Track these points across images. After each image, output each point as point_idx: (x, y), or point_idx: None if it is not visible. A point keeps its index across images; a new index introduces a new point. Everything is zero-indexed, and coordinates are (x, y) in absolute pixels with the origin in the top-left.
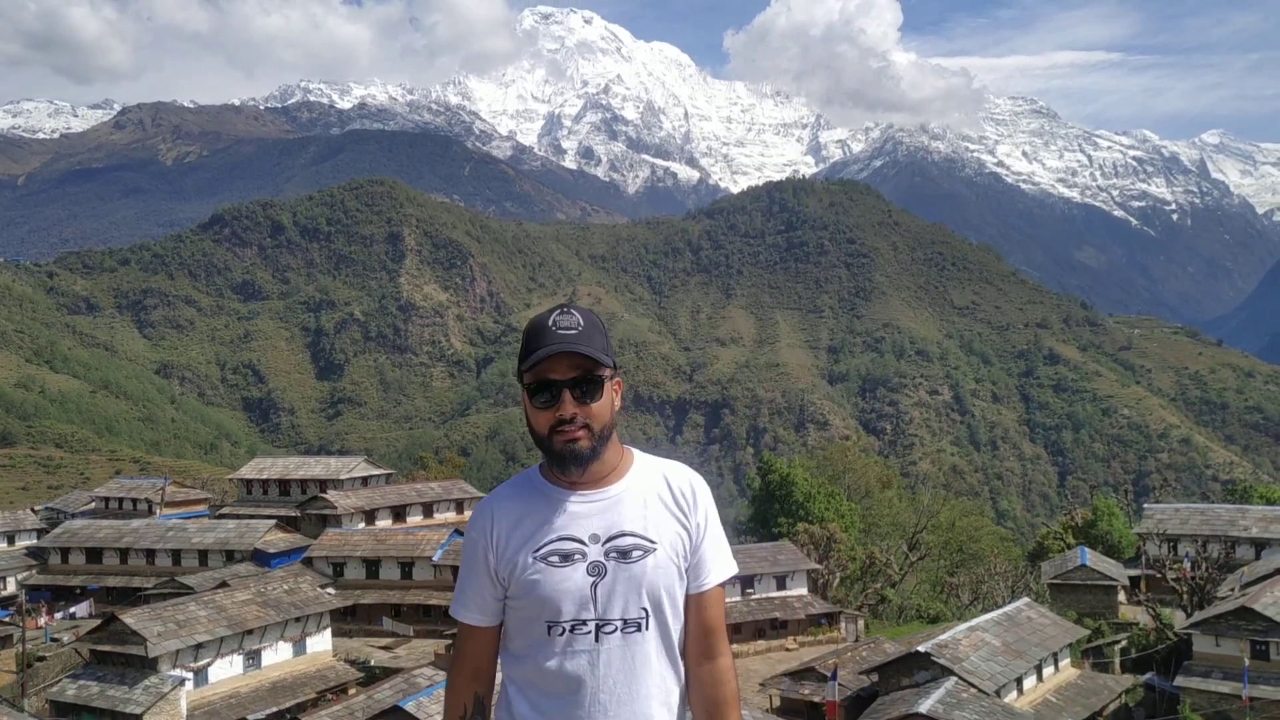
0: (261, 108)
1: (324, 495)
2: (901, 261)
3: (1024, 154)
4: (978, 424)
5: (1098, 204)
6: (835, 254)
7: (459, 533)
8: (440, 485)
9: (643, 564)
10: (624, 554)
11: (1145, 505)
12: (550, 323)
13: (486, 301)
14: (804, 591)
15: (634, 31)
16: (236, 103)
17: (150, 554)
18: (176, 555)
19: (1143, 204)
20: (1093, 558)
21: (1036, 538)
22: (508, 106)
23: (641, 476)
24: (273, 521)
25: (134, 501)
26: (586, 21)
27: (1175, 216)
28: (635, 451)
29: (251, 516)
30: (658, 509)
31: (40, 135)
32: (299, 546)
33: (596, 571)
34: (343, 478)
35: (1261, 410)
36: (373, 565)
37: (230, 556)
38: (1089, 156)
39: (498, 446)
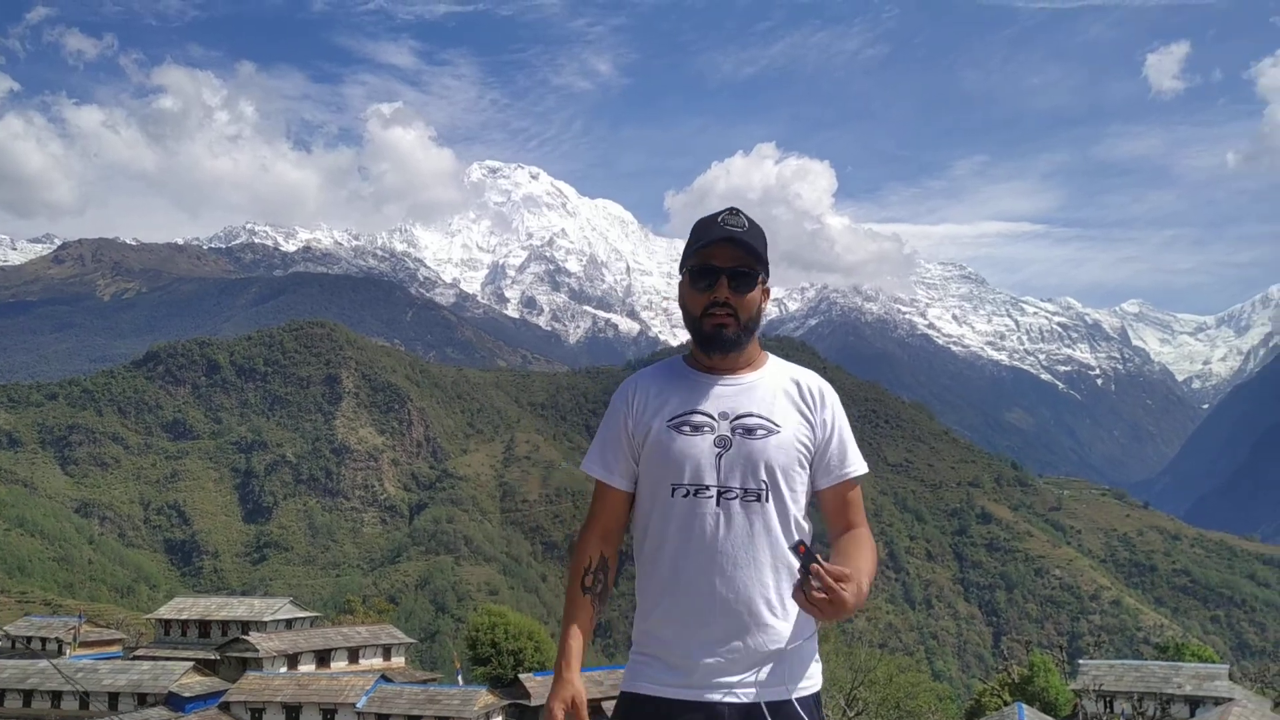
0: (205, 247)
1: (245, 637)
2: None
3: (954, 317)
4: (912, 582)
5: (1025, 367)
6: None
7: (385, 679)
8: (367, 629)
9: (764, 442)
10: (749, 431)
11: (1080, 661)
12: (720, 219)
13: (423, 446)
14: None
15: (579, 188)
16: (180, 241)
17: (56, 696)
18: (84, 699)
19: (1068, 368)
20: (1030, 714)
21: (974, 694)
22: (453, 255)
23: (774, 373)
24: (190, 664)
25: (44, 640)
26: (533, 177)
27: (1100, 381)
28: (772, 355)
29: (169, 658)
30: (784, 401)
31: None
32: (217, 690)
33: (722, 444)
34: (266, 619)
35: (1189, 573)
36: (293, 711)
37: (143, 700)
38: (1016, 321)
39: (428, 596)
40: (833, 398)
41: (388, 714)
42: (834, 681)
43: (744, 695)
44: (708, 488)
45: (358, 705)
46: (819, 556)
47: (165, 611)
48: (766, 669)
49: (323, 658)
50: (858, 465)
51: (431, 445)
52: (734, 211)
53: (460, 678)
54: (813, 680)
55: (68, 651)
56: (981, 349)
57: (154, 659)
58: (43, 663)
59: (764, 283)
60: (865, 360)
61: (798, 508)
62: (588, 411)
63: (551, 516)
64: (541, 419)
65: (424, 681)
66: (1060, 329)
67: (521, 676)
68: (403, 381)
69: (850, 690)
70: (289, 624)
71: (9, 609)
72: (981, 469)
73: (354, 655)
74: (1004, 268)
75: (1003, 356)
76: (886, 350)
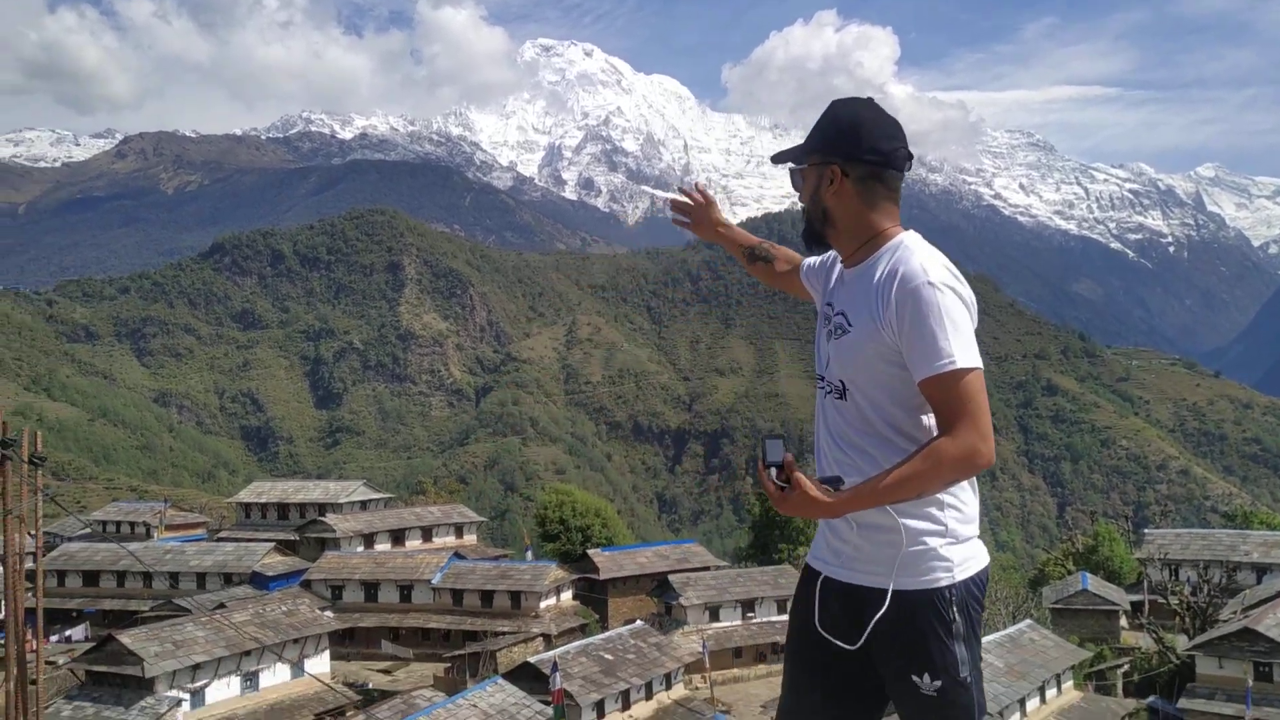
0: (263, 138)
1: (323, 519)
2: None
3: (1021, 186)
4: None
5: (1095, 236)
6: None
7: (459, 556)
8: (439, 509)
9: (839, 341)
10: (836, 328)
11: (1146, 530)
12: None
13: (486, 331)
14: None
15: (634, 64)
16: (238, 133)
17: (148, 577)
18: (174, 578)
19: (1139, 236)
20: (1094, 583)
21: (1038, 564)
22: (508, 137)
23: (880, 265)
24: (271, 544)
25: (132, 525)
26: (587, 54)
27: (1172, 249)
28: (904, 239)
29: (250, 540)
30: (864, 298)
31: (42, 164)
32: (297, 569)
33: (826, 336)
34: (341, 501)
35: (1259, 441)
36: (371, 588)
37: (228, 579)
38: (1086, 189)
39: (496, 476)
40: (904, 293)
41: (461, 589)
42: None
43: (840, 575)
44: (822, 378)
45: (433, 581)
46: (792, 463)
47: (245, 495)
48: (855, 557)
49: (397, 537)
50: (925, 367)
51: (494, 329)
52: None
53: (530, 554)
54: (921, 575)
55: (155, 535)
56: (1049, 218)
57: (236, 540)
58: (134, 545)
59: (817, 164)
60: (930, 233)
61: (883, 407)
62: (648, 292)
63: (614, 397)
64: (602, 301)
65: (496, 558)
66: (1132, 196)
67: (590, 552)
68: (464, 267)
69: None
70: (364, 505)
71: (98, 495)
72: (1048, 341)
73: (427, 534)
74: (1074, 134)
75: (1071, 226)
76: (951, 222)
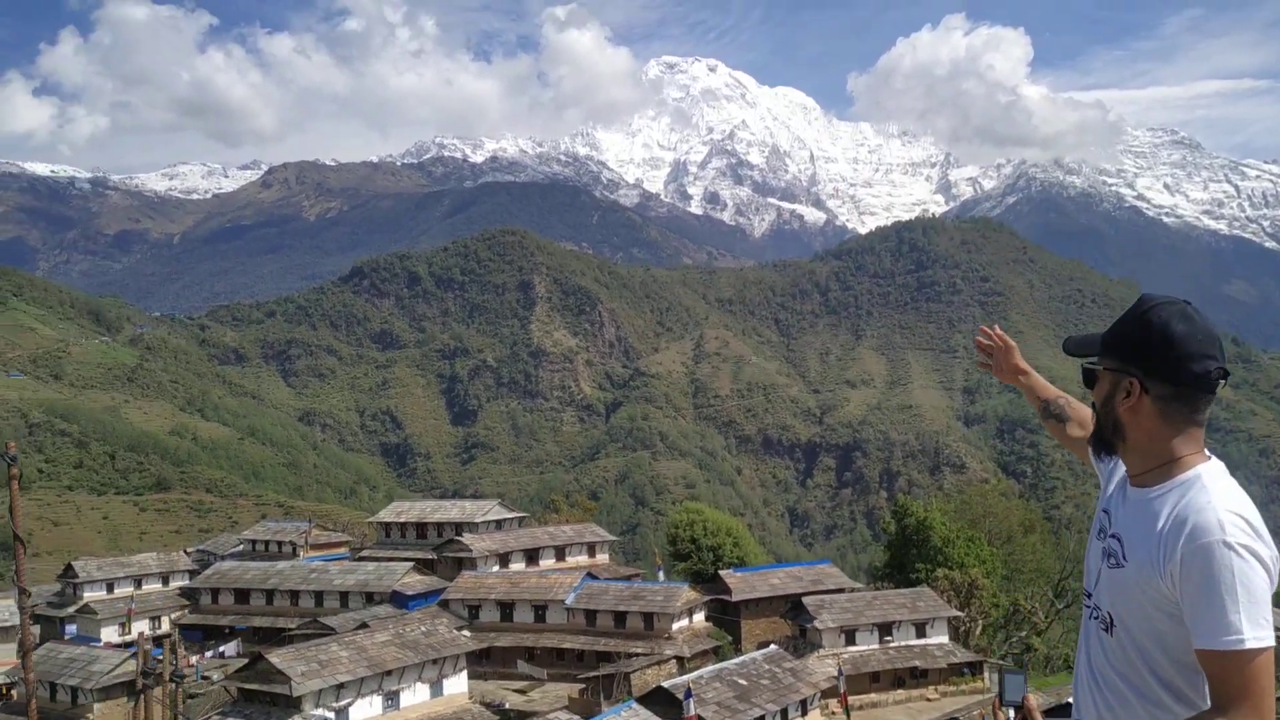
0: (398, 164)
1: (459, 538)
2: (1038, 299)
3: (1165, 186)
4: None
5: (1247, 235)
6: (968, 293)
7: (591, 576)
8: (572, 529)
9: (1112, 572)
10: (1110, 554)
11: None
12: None
13: (615, 346)
14: (945, 640)
15: (758, 78)
16: (375, 160)
17: (294, 595)
18: (319, 596)
19: None
20: None
21: None
22: (634, 155)
23: (1168, 497)
24: (410, 564)
25: (279, 544)
26: (711, 69)
27: None
28: (1202, 475)
29: (390, 559)
30: (1145, 532)
31: (194, 196)
32: (436, 589)
33: (1105, 559)
34: (477, 521)
35: None
36: (507, 608)
37: (370, 598)
38: (1236, 187)
39: (627, 490)
40: (1193, 549)
41: (595, 609)
42: (1041, 572)
43: None
44: (1089, 595)
45: (567, 601)
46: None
47: (385, 515)
48: None
49: (531, 556)
50: (1208, 638)
51: (623, 345)
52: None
53: (661, 574)
54: None
55: (301, 554)
56: (1197, 219)
57: (377, 559)
58: (282, 564)
59: (1111, 370)
60: (1069, 237)
61: (1152, 657)
62: (775, 305)
63: (744, 411)
64: (730, 314)
65: (628, 578)
66: None
67: (722, 573)
68: (592, 284)
69: (1059, 581)
70: (499, 524)
71: (248, 511)
72: None
73: (560, 553)
74: (1222, 130)
75: (1221, 225)
76: (1092, 225)
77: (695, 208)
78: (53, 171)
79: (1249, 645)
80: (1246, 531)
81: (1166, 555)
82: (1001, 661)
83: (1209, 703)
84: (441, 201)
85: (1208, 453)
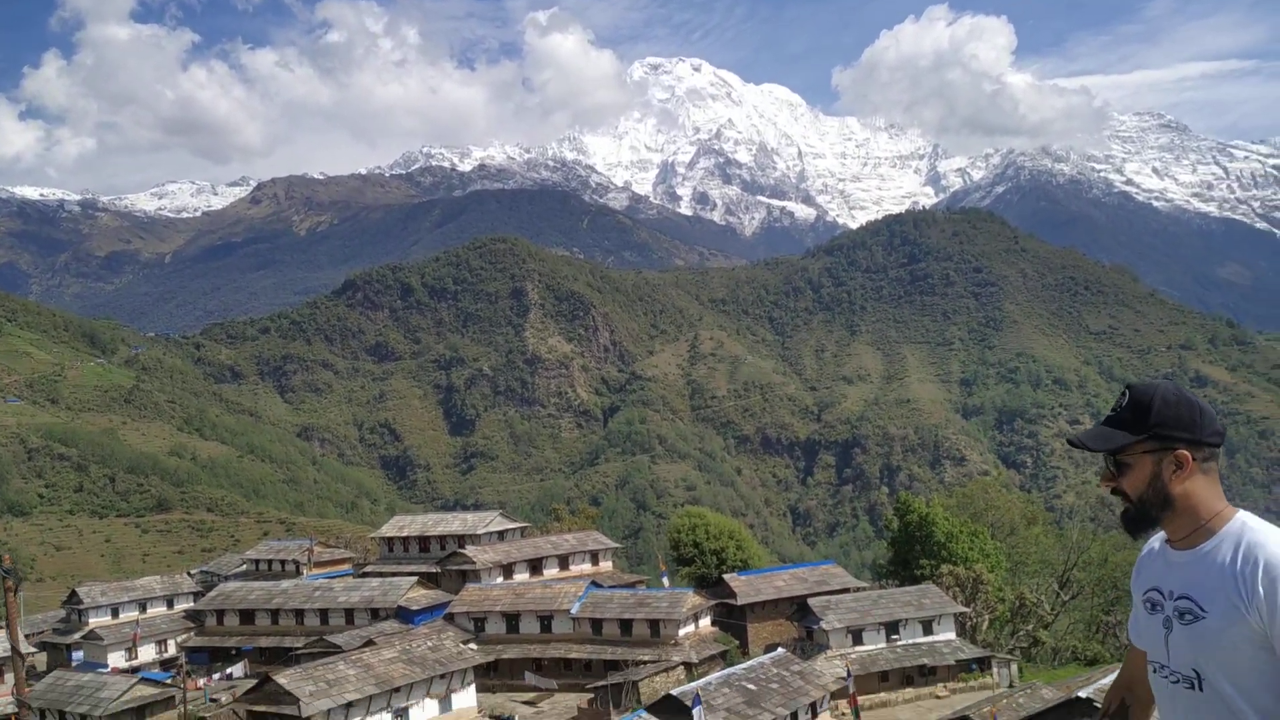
0: (387, 175)
1: (462, 550)
2: (1032, 288)
3: (1154, 170)
4: None
5: (1238, 217)
6: (961, 284)
7: (596, 584)
8: (574, 537)
9: (1192, 629)
10: (1181, 614)
11: None
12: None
13: (610, 351)
14: (952, 636)
15: (743, 75)
16: (363, 171)
17: (299, 614)
18: (324, 614)
19: None
20: None
21: None
22: (622, 158)
23: (1224, 545)
24: (414, 579)
25: (282, 563)
26: (695, 69)
27: None
28: (1241, 518)
29: (394, 574)
30: (1217, 581)
31: (185, 214)
32: (440, 603)
33: (1167, 625)
34: (479, 532)
35: None
36: (512, 619)
37: (375, 614)
38: (1225, 169)
39: (628, 495)
40: (1270, 579)
41: (600, 618)
42: (1045, 564)
43: None
44: (1162, 666)
45: (572, 611)
46: None
47: (387, 530)
48: None
49: (535, 566)
50: None
51: (618, 349)
52: (1122, 394)
53: (666, 579)
54: None
55: (304, 572)
56: (1187, 201)
57: (381, 575)
58: (286, 583)
59: (1150, 452)
60: (1059, 225)
61: (1252, 694)
62: (769, 303)
63: (741, 411)
64: (723, 314)
65: (632, 585)
66: (1276, 172)
67: (727, 576)
68: (585, 289)
69: (1064, 572)
70: (501, 535)
71: (250, 529)
72: (1193, 330)
73: (564, 562)
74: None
75: (1211, 208)
76: (1082, 212)
77: (685, 208)
78: (42, 195)
79: None
80: None
81: (1250, 592)
82: (1010, 655)
83: None
84: (431, 211)
85: (1233, 505)
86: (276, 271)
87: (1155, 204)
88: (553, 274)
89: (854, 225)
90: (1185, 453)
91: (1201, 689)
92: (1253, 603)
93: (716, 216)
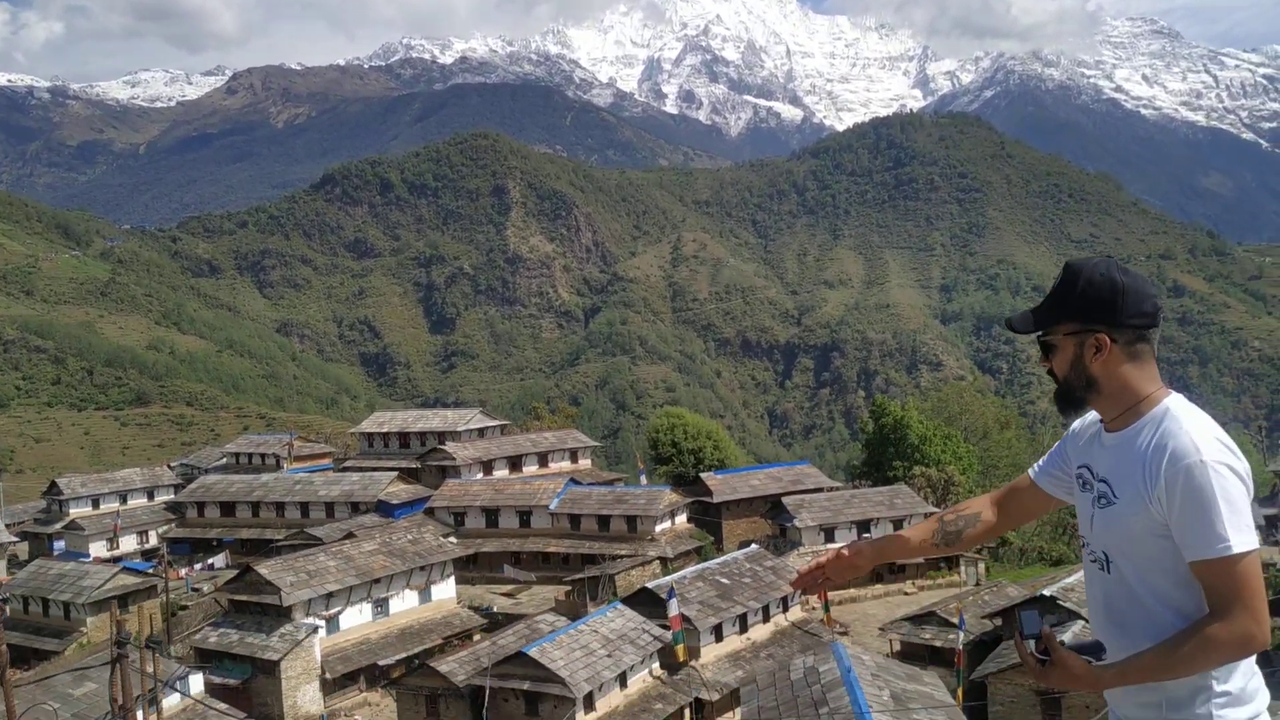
0: (366, 67)
1: (442, 447)
2: (1015, 195)
3: (1144, 77)
4: None
5: (1225, 127)
6: (946, 190)
7: (575, 482)
8: (554, 435)
9: (1105, 512)
10: (1099, 497)
11: None
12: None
13: (592, 251)
14: None
15: None
16: (342, 63)
17: (280, 507)
18: (305, 508)
19: (1275, 125)
20: None
21: None
22: (607, 53)
23: (1144, 432)
24: (394, 474)
25: (263, 457)
26: None
27: None
28: (1169, 406)
29: (374, 469)
30: (1130, 468)
31: (158, 104)
32: (420, 497)
33: (1094, 504)
34: (459, 429)
35: None
36: (492, 514)
37: (355, 508)
38: (1215, 77)
39: (607, 395)
40: (1175, 470)
41: (579, 514)
42: (1016, 467)
43: None
44: (1087, 543)
45: (550, 507)
46: (1045, 632)
47: (367, 425)
48: None
49: (514, 463)
50: (1198, 549)
51: (600, 250)
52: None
53: (644, 477)
54: None
55: (284, 466)
56: (1175, 110)
57: (361, 470)
58: (266, 477)
59: (1072, 334)
60: (1047, 132)
61: (1150, 581)
62: (753, 206)
63: (722, 314)
64: (707, 216)
65: (610, 482)
66: (1266, 82)
67: (703, 475)
68: (567, 188)
69: None
70: (481, 433)
71: (230, 423)
72: (1174, 240)
73: (543, 459)
74: (1203, 19)
75: (1199, 117)
76: (1070, 119)
77: (670, 107)
78: (9, 81)
79: (1235, 550)
80: (1219, 449)
81: (1151, 481)
82: (978, 555)
83: (1206, 611)
84: (411, 105)
85: (1167, 388)
86: (253, 164)
87: (1143, 112)
88: (535, 172)
89: (841, 127)
90: (1104, 335)
91: (1109, 571)
92: (1154, 491)
93: (702, 115)
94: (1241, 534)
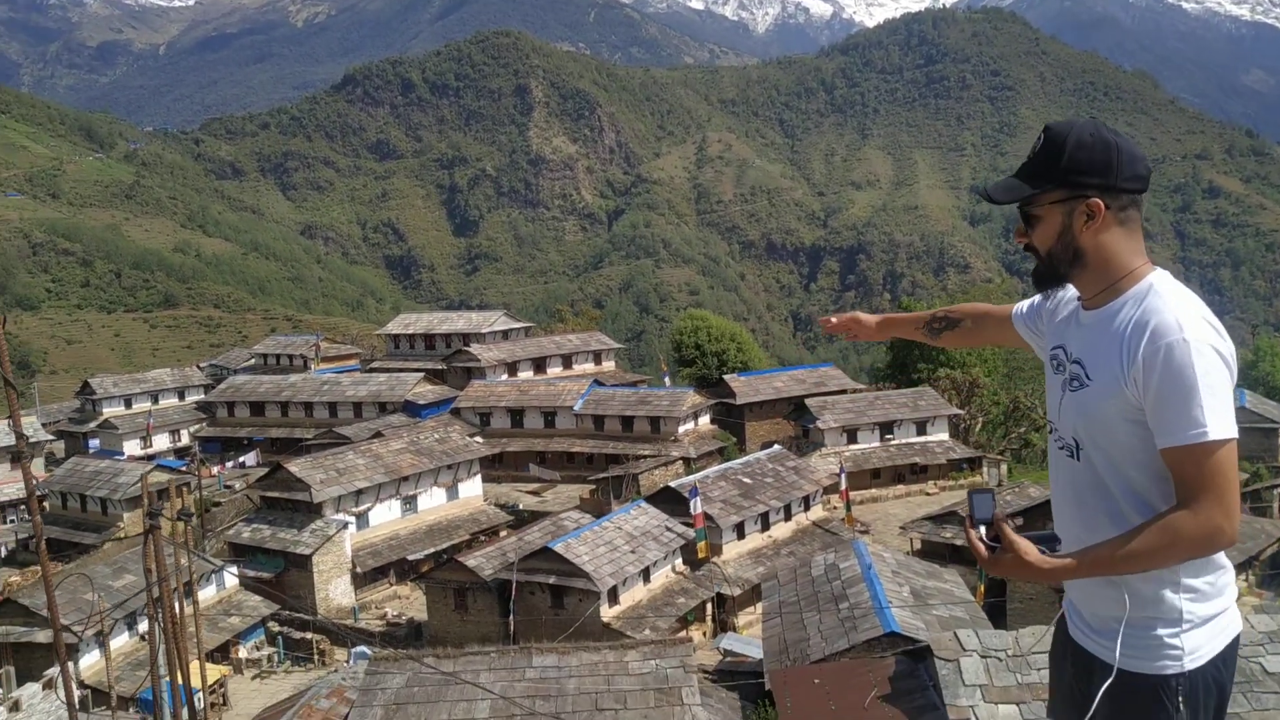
0: None
1: (467, 349)
2: (1049, 93)
3: None
4: None
5: (1270, 20)
6: (978, 88)
7: (598, 383)
8: (578, 337)
9: (1075, 395)
10: (1072, 379)
11: None
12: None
13: (616, 152)
14: (945, 437)
15: None
16: None
17: (309, 407)
18: (333, 408)
19: None
20: (1252, 399)
21: None
22: None
23: (1125, 307)
24: (420, 374)
25: (290, 358)
26: None
27: None
28: (1154, 282)
29: (400, 370)
30: (1107, 348)
31: (176, 3)
32: (447, 398)
33: (1066, 386)
34: (484, 331)
35: None
36: (517, 415)
37: (383, 408)
38: None
39: (631, 298)
40: (1154, 349)
41: (603, 414)
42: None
43: (1075, 635)
44: (1055, 429)
45: (575, 408)
46: (1005, 521)
47: (393, 327)
48: (1091, 622)
49: (539, 365)
50: (1172, 435)
51: (624, 151)
52: (1038, 138)
53: (667, 379)
54: (1146, 659)
55: (312, 366)
56: (1219, 4)
57: (388, 370)
58: (294, 377)
59: (1060, 202)
60: (1083, 27)
61: (1120, 469)
62: (780, 105)
63: (747, 215)
64: (733, 116)
65: (634, 384)
66: None
67: (727, 377)
68: (590, 87)
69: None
70: (505, 335)
71: (257, 325)
72: (1211, 139)
73: (567, 361)
74: None
75: (1243, 11)
76: (1108, 13)
77: (696, 2)
78: None
79: (1212, 437)
80: (1205, 328)
81: (1129, 360)
82: (1000, 456)
83: (1174, 502)
84: (432, 2)
85: (1151, 263)
86: (274, 65)
87: (1185, 5)
88: (558, 70)
89: (871, 23)
90: (1098, 201)
91: (1078, 458)
92: (1130, 371)
93: (729, 11)
94: (1220, 420)
